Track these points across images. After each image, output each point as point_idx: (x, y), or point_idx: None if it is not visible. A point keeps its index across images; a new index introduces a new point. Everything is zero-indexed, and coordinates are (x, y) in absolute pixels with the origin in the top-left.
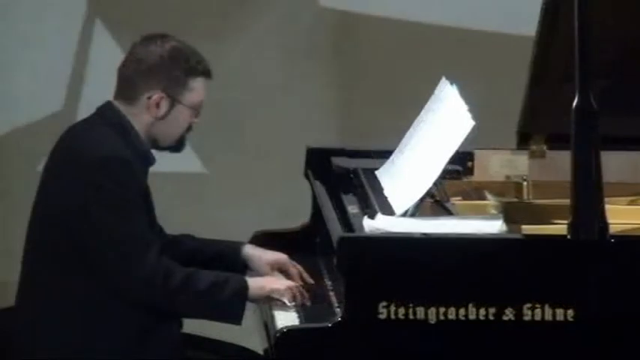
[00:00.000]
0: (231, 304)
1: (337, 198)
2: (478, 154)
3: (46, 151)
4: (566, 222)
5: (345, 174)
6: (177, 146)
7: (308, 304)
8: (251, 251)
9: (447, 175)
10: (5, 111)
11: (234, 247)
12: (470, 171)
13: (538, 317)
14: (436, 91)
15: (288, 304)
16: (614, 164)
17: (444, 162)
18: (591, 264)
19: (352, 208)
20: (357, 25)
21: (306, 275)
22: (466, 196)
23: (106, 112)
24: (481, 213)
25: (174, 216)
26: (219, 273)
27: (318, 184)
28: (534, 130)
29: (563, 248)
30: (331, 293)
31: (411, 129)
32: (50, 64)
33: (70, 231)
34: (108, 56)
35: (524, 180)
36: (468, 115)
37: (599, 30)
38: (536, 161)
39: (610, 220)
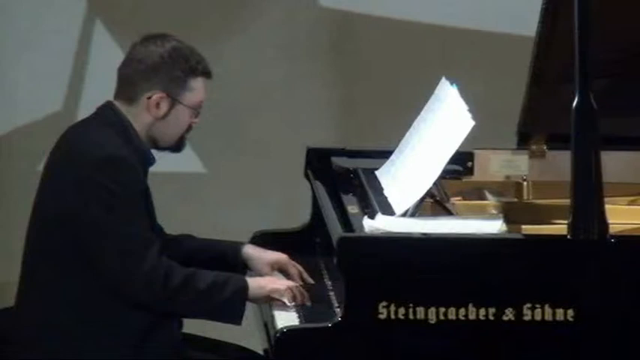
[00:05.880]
0: (231, 304)
1: (337, 198)
2: (478, 154)
3: (46, 151)
4: (566, 222)
5: (345, 174)
6: (177, 146)
7: (308, 304)
8: (251, 251)
9: (447, 175)
10: (5, 111)
11: (234, 247)
12: (470, 171)
13: (538, 317)
14: (436, 91)
15: (288, 304)
16: (614, 164)
17: (444, 162)
18: (591, 264)
19: (352, 208)
20: (357, 25)
21: (306, 275)
22: (466, 196)
23: (106, 112)
24: (481, 213)
25: (174, 216)
26: (219, 273)
27: (318, 184)
28: (534, 130)
29: (563, 248)
30: (331, 293)
31: (411, 129)
32: (50, 64)
33: (69, 231)
34: (108, 56)
35: (524, 180)
36: (468, 115)
37: (599, 30)
38: (536, 161)
39: (610, 220)
